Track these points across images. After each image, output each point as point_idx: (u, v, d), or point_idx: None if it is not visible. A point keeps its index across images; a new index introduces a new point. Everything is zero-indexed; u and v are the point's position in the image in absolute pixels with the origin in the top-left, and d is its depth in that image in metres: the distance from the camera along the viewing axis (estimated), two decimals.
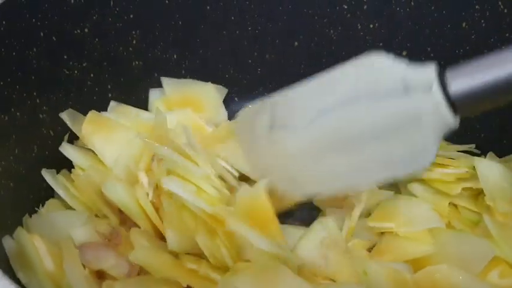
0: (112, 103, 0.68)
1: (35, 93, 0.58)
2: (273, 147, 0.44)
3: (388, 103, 0.37)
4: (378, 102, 0.38)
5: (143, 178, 0.54)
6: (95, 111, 0.62)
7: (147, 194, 0.54)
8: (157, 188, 0.53)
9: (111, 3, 0.64)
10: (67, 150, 0.59)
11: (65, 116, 0.61)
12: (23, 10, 0.55)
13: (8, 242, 0.50)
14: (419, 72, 0.37)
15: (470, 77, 0.34)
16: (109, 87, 0.68)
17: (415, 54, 0.70)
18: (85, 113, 0.63)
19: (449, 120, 0.36)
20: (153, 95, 0.72)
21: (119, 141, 0.60)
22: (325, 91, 0.42)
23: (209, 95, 0.73)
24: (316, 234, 0.54)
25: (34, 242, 0.49)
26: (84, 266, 0.50)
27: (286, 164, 0.44)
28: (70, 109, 0.62)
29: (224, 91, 0.75)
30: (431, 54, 0.69)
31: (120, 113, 0.66)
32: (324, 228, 0.55)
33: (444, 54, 0.68)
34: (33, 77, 0.58)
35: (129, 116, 0.66)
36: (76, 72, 0.63)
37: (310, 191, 0.46)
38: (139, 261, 0.49)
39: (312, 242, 0.54)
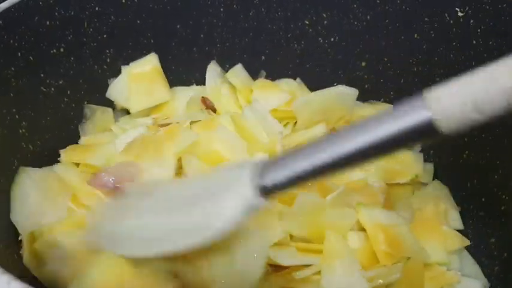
0: None
1: (14, 110, 0.60)
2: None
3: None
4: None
5: None
6: None
7: None
8: None
9: (85, 24, 0.66)
10: None
11: None
12: (0, 32, 0.58)
13: None
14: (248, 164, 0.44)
15: (276, 172, 0.41)
16: (85, 103, 0.71)
17: (373, 64, 0.75)
18: (62, 129, 0.67)
19: (252, 198, 0.42)
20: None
21: None
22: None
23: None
24: None
25: None
26: None
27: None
28: None
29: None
30: (388, 64, 0.74)
31: None
32: None
33: (399, 63, 0.73)
34: (12, 95, 0.60)
35: None
36: (53, 89, 0.66)
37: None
38: None
39: None
